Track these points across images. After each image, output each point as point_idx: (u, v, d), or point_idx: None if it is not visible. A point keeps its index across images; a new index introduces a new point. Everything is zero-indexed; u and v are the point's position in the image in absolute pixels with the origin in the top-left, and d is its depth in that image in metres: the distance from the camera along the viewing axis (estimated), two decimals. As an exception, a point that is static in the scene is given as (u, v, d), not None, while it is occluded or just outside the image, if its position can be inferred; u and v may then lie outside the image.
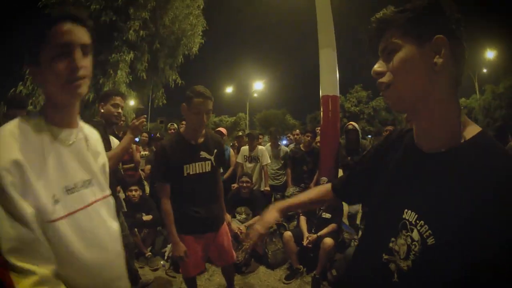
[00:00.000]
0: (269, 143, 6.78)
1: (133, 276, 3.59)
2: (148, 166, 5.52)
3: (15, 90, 11.10)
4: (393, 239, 0.92)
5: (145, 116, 2.85)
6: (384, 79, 0.91)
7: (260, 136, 7.82)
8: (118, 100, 3.11)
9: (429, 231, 0.81)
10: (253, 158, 5.94)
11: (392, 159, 1.06)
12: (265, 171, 5.93)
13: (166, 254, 4.60)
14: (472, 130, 0.86)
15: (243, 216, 4.86)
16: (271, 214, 1.45)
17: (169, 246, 4.73)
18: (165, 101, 15.14)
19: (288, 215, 5.64)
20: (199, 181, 2.75)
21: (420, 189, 0.88)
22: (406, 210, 0.90)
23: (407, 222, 0.88)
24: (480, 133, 0.86)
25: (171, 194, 2.73)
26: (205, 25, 14.85)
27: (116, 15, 12.10)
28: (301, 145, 6.36)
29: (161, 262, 4.51)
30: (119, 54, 12.13)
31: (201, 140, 2.81)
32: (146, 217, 4.70)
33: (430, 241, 0.80)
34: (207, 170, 2.78)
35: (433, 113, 0.87)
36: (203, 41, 14.84)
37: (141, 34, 12.33)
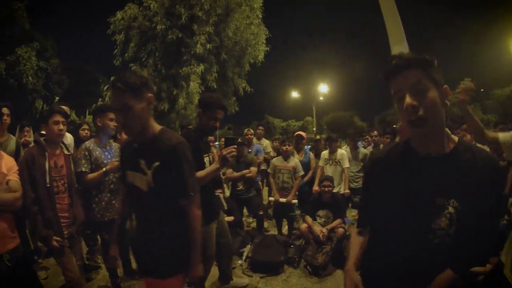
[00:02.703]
0: (347, 145, 6.69)
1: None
2: (230, 170, 5.68)
3: (96, 105, 12.23)
4: (433, 222, 1.27)
5: (235, 146, 2.66)
6: (420, 112, 1.20)
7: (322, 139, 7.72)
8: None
9: (457, 203, 1.25)
10: (334, 161, 5.90)
11: (393, 168, 1.41)
12: (346, 174, 5.84)
13: (245, 254, 4.67)
14: (454, 138, 1.34)
15: (323, 219, 4.81)
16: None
17: (248, 246, 4.81)
18: (237, 108, 15.62)
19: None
20: (136, 199, 2.01)
21: (440, 181, 1.27)
22: (438, 197, 1.27)
23: (441, 205, 1.26)
24: (459, 139, 1.35)
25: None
26: (267, 33, 15.13)
27: (182, 32, 12.83)
28: (380, 146, 6.15)
29: (239, 262, 4.59)
30: (189, 67, 12.79)
31: (144, 143, 1.95)
32: (228, 218, 4.80)
33: (460, 208, 1.24)
34: (142, 188, 1.90)
35: (442, 132, 1.29)
36: (267, 48, 15.11)
37: (208, 47, 12.91)
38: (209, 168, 2.80)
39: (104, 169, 3.22)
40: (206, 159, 2.99)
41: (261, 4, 14.80)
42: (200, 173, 2.63)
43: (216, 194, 3.66)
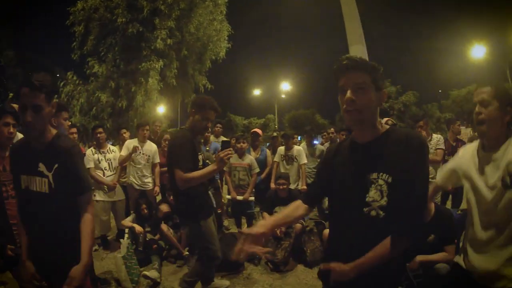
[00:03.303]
0: (304, 142, 6.78)
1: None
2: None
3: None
4: (366, 195, 1.47)
5: (231, 149, 2.80)
6: (356, 106, 1.43)
7: (295, 136, 7.81)
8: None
9: (386, 175, 1.44)
10: (290, 158, 5.95)
11: (339, 157, 1.67)
12: (303, 170, 5.93)
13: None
14: (385, 127, 1.57)
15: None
16: (260, 228, 1.61)
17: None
18: (196, 106, 15.34)
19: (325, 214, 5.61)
20: (37, 204, 1.98)
21: (372, 160, 1.50)
22: (368, 174, 1.48)
23: (373, 179, 1.46)
24: (392, 126, 1.61)
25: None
26: (230, 29, 15.05)
27: (143, 26, 12.48)
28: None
29: (200, 262, 4.55)
30: (149, 63, 12.48)
31: (42, 146, 1.97)
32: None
33: (390, 180, 1.43)
34: (44, 191, 1.94)
35: (374, 122, 1.52)
36: (229, 45, 15.03)
37: (168, 43, 12.65)
38: (206, 169, 2.93)
39: None
40: (199, 157, 3.15)
41: (225, 0, 14.70)
42: (198, 173, 2.88)
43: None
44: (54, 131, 2.01)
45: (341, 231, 1.62)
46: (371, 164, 1.50)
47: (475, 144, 1.97)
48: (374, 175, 1.47)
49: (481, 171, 1.84)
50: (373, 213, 1.46)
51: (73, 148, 1.99)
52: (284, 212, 1.82)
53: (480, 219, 1.82)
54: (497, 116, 1.78)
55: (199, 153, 3.19)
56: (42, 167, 1.92)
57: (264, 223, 1.68)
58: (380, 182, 1.45)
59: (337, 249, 1.64)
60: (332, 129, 7.74)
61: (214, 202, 4.04)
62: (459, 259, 2.00)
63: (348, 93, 1.44)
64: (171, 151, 3.08)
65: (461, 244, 2.11)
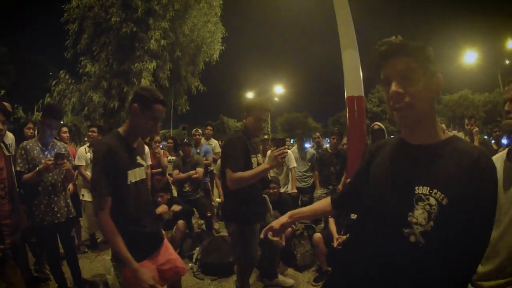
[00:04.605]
0: (296, 146, 6.84)
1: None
2: (176, 171, 5.60)
3: (43, 101, 11.50)
4: (410, 213, 1.18)
5: (286, 146, 2.70)
6: (406, 100, 1.18)
7: (287, 139, 7.83)
8: None
9: (442, 195, 1.13)
10: None
11: (380, 158, 1.39)
12: (293, 174, 5.96)
13: (194, 256, 4.63)
14: (449, 133, 1.27)
15: (271, 219, 4.85)
16: (284, 218, 1.69)
17: (198, 248, 4.77)
18: (188, 108, 15.32)
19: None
20: (140, 189, 2.33)
21: (425, 169, 1.19)
22: (417, 187, 1.18)
23: (422, 195, 1.16)
24: (455, 135, 1.26)
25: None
26: (224, 31, 15.03)
27: (137, 26, 12.41)
28: (327, 148, 6.46)
29: (189, 265, 4.53)
30: (142, 63, 12.41)
31: (136, 144, 2.39)
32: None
33: (445, 201, 1.12)
34: (144, 177, 2.42)
35: (431, 121, 1.25)
36: (223, 47, 15.02)
37: (162, 44, 12.58)
38: (257, 168, 2.86)
39: (37, 168, 3.03)
40: (254, 160, 3.11)
41: (220, 2, 14.66)
42: (247, 173, 2.81)
43: (263, 195, 3.69)
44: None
45: (370, 250, 1.31)
46: (423, 174, 1.19)
47: (503, 154, 1.71)
48: (425, 190, 1.16)
49: (506, 186, 1.56)
50: (412, 238, 1.16)
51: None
52: (312, 208, 1.74)
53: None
54: None
55: (253, 156, 3.13)
56: (139, 159, 2.35)
57: (290, 213, 1.68)
58: (432, 201, 1.14)
59: (363, 268, 1.33)
60: (317, 133, 7.83)
61: (270, 207, 4.03)
62: None
63: (393, 86, 1.19)
64: (223, 152, 3.09)
65: None
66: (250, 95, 42.25)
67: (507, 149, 1.71)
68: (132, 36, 12.40)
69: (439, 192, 1.13)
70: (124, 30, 12.21)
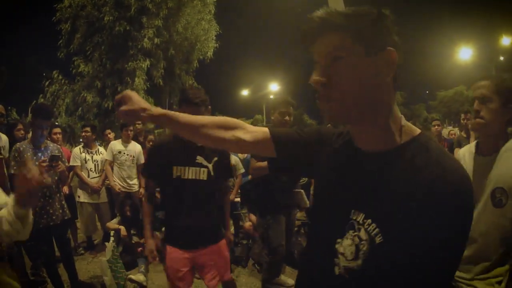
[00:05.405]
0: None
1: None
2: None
3: (37, 102, 11.42)
4: (338, 240, 0.89)
5: None
6: (330, 91, 0.85)
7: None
8: None
9: (377, 229, 0.81)
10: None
11: (332, 157, 1.03)
12: None
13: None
14: (411, 132, 0.87)
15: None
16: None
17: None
18: (183, 106, 15.28)
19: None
20: (191, 188, 2.41)
21: (365, 189, 0.87)
22: (353, 210, 0.87)
23: (355, 222, 0.86)
24: (419, 135, 0.87)
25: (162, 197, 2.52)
26: (218, 29, 15.02)
27: (130, 24, 12.37)
28: None
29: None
30: (135, 62, 12.39)
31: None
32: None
33: (378, 239, 0.80)
34: (201, 178, 2.41)
35: (378, 119, 0.86)
36: (217, 45, 15.00)
37: (156, 42, 12.55)
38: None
39: None
40: None
41: (214, 0, 14.64)
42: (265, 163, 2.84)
43: (297, 189, 3.72)
44: None
45: (304, 272, 1.08)
46: (361, 194, 0.87)
47: (471, 147, 1.74)
48: (360, 217, 0.85)
49: (477, 180, 1.54)
50: (336, 270, 0.88)
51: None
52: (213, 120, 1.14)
53: None
54: (498, 114, 1.55)
55: None
56: (200, 159, 2.36)
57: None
58: (362, 234, 0.83)
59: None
60: None
61: (306, 202, 4.00)
62: None
63: (314, 73, 0.87)
64: None
65: None
66: (245, 92, 42.32)
67: (474, 142, 1.75)
68: (125, 34, 12.37)
69: (373, 225, 0.81)
70: (117, 29, 12.18)
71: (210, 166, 2.40)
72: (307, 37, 0.89)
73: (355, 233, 0.85)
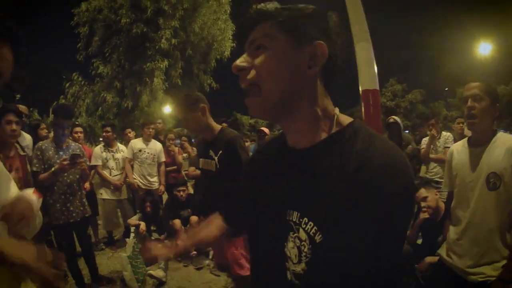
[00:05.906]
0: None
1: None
2: (192, 168, 5.59)
3: (58, 103, 11.69)
4: (285, 243, 0.83)
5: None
6: (249, 76, 0.83)
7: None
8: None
9: (315, 227, 0.75)
10: None
11: (264, 161, 1.01)
12: None
13: (211, 253, 4.62)
14: (341, 123, 0.83)
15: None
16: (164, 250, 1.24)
17: (213, 245, 4.77)
18: (201, 105, 15.41)
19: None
20: (205, 178, 2.89)
21: (296, 186, 0.82)
22: (289, 210, 0.82)
23: (292, 223, 0.81)
24: (348, 124, 0.82)
25: None
26: (234, 28, 15.04)
27: (147, 26, 12.53)
28: None
29: (206, 262, 4.54)
30: (154, 62, 12.54)
31: (211, 139, 2.74)
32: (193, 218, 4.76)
33: (318, 238, 0.74)
34: (210, 169, 2.71)
35: (304, 113, 0.83)
36: (234, 44, 15.03)
37: (173, 42, 12.69)
38: None
39: (52, 169, 3.09)
40: None
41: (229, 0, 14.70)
42: None
43: None
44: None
45: (256, 277, 1.02)
46: (294, 193, 0.83)
47: (463, 141, 2.04)
48: (295, 216, 0.80)
49: (472, 168, 1.87)
50: (288, 275, 0.82)
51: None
52: (200, 236, 1.27)
53: (462, 215, 1.90)
54: (488, 111, 1.84)
55: None
56: (211, 153, 2.64)
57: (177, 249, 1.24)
58: (302, 234, 0.78)
59: None
60: None
61: None
62: (442, 253, 2.08)
63: (238, 60, 0.87)
64: None
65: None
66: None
67: (466, 138, 2.04)
68: (142, 36, 12.53)
69: (310, 223, 0.76)
70: (135, 30, 12.36)
71: (216, 158, 2.66)
72: (243, 29, 0.87)
73: (295, 234, 0.80)
